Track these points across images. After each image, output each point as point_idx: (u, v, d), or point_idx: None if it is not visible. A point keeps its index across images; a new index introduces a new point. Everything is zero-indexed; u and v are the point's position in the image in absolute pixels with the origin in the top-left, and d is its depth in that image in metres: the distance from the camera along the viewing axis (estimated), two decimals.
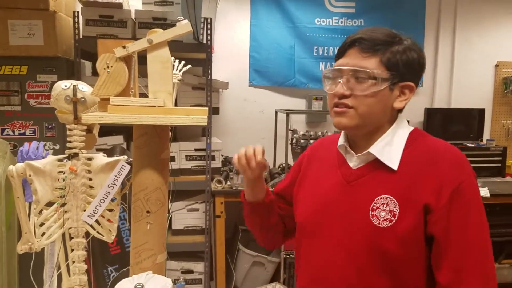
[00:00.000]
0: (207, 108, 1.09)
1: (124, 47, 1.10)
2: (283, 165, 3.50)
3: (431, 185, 0.98)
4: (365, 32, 1.04)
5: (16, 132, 2.90)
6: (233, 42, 3.80)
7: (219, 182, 3.24)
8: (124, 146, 3.01)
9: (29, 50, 2.83)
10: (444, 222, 0.96)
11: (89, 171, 1.34)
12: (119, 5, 3.02)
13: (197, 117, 1.05)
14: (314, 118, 3.91)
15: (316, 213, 1.12)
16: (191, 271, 3.26)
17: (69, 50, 3.03)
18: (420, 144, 1.05)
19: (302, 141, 3.38)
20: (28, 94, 2.88)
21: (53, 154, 1.38)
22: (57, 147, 2.89)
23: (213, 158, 3.29)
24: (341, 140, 1.14)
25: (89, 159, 1.35)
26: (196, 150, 3.23)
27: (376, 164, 1.05)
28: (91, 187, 1.35)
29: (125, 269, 2.50)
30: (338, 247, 1.05)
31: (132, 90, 1.11)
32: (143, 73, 1.18)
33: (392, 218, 0.99)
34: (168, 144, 1.13)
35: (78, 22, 2.98)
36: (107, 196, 1.33)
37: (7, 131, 2.89)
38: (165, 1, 3.17)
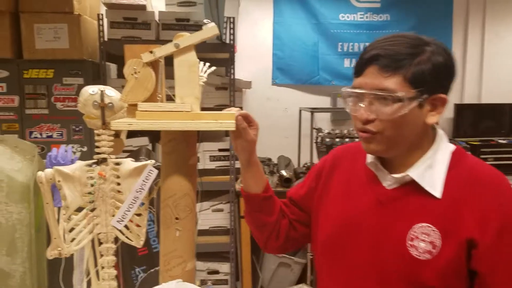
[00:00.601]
0: (234, 112, 1.06)
1: (151, 52, 1.08)
2: (308, 164, 3.46)
3: (475, 216, 0.89)
4: (383, 46, 0.93)
5: (44, 135, 2.94)
6: (255, 41, 3.77)
7: None
8: (150, 147, 3.02)
9: (55, 54, 2.86)
10: (491, 259, 0.89)
11: (118, 176, 1.34)
12: (143, 7, 3.02)
13: (226, 121, 1.03)
14: (339, 115, 3.85)
15: (342, 232, 1.02)
16: (217, 272, 3.25)
17: (94, 52, 3.06)
18: (462, 167, 0.96)
19: (327, 139, 3.33)
20: (54, 97, 2.91)
21: (81, 156, 1.37)
22: (85, 149, 2.92)
23: (237, 158, 3.26)
24: (370, 157, 1.03)
25: (117, 164, 1.34)
26: (220, 150, 3.22)
27: (415, 187, 0.95)
28: (119, 192, 1.34)
29: (152, 270, 2.51)
30: (368, 275, 0.97)
31: (160, 96, 1.09)
32: (169, 75, 1.16)
33: (433, 250, 0.90)
34: (196, 150, 1.11)
35: (102, 25, 2.99)
36: (136, 201, 1.32)
37: (35, 134, 2.93)
38: (188, 2, 3.16)
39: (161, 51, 1.09)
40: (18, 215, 2.12)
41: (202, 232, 3.26)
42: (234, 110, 1.10)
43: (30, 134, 2.94)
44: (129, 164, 1.33)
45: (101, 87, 1.35)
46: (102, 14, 3.00)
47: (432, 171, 0.95)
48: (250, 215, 1.22)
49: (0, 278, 2.04)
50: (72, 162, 1.54)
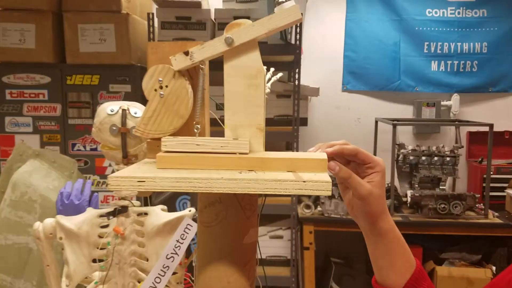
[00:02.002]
0: (325, 157, 0.60)
1: (186, 53, 0.65)
2: (386, 185, 2.91)
3: None
4: None
5: (88, 148, 2.66)
6: (324, 41, 3.29)
7: (308, 207, 2.76)
8: None
9: (101, 58, 2.57)
10: None
11: (142, 234, 0.92)
12: (198, 4, 2.67)
13: (312, 180, 0.56)
14: (424, 128, 3.27)
15: None
16: None
17: (143, 57, 2.74)
18: None
19: (411, 157, 2.77)
20: (99, 105, 2.61)
21: None
22: None
23: None
24: None
25: (142, 214, 0.93)
26: None
27: None
28: (143, 256, 0.92)
29: None
30: None
31: (198, 126, 0.65)
32: (218, 82, 0.72)
33: None
34: (257, 219, 0.66)
35: (153, 25, 2.67)
36: (166, 271, 0.90)
37: (78, 146, 2.66)
38: None
39: (204, 50, 0.65)
40: None
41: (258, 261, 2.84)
42: (321, 148, 0.67)
43: (72, 146, 2.67)
44: (158, 216, 0.92)
45: (125, 103, 0.95)
46: (152, 14, 2.67)
47: None
48: None
49: None
50: (91, 204, 1.15)
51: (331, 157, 0.68)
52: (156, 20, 2.68)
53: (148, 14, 2.68)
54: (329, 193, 0.55)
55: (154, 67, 0.66)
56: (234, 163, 0.62)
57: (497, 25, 3.18)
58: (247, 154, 0.63)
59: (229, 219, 0.63)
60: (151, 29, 2.67)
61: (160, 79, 0.65)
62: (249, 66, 0.65)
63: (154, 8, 2.82)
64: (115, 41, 2.56)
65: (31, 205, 2.11)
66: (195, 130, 0.65)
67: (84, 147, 2.67)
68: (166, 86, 0.66)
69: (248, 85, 0.66)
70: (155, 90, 0.66)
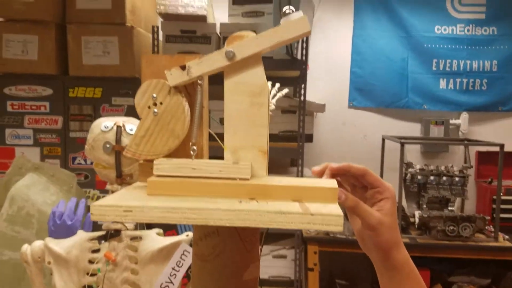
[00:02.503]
0: (336, 185, 0.54)
1: (183, 67, 0.59)
2: None
3: None
4: None
5: (88, 162, 2.60)
6: (331, 56, 3.26)
7: None
8: None
9: (104, 70, 2.53)
10: None
11: (135, 260, 0.85)
12: (203, 18, 2.64)
13: (322, 213, 0.50)
14: (432, 147, 3.21)
15: None
16: None
17: None
18: None
19: (419, 177, 2.70)
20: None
21: None
22: None
23: None
24: None
25: (136, 239, 0.86)
26: None
27: None
28: (136, 284, 0.86)
29: None
30: None
31: (194, 147, 0.59)
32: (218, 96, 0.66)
33: None
34: (258, 253, 0.60)
35: (157, 39, 2.64)
36: None
37: (78, 160, 2.61)
38: (254, 12, 2.74)
39: (202, 65, 0.60)
40: None
41: (260, 282, 2.76)
42: (329, 174, 0.61)
43: (73, 160, 2.62)
44: (153, 240, 0.86)
45: (121, 119, 0.89)
46: (157, 27, 2.64)
47: None
48: None
49: None
50: (85, 225, 1.09)
51: (336, 174, 0.62)
52: (160, 33, 2.65)
53: (153, 27, 2.65)
54: (340, 229, 0.49)
55: (148, 82, 0.61)
56: (234, 190, 0.56)
57: (507, 43, 3.13)
58: (248, 180, 0.57)
59: (228, 252, 0.57)
60: (156, 42, 2.64)
61: (154, 95, 0.60)
62: (252, 83, 0.59)
63: (159, 21, 2.79)
64: (119, 54, 2.53)
65: (28, 220, 2.06)
66: (191, 152, 0.59)
67: (85, 160, 2.62)
68: (161, 103, 0.60)
69: (250, 104, 0.60)
70: (149, 107, 0.60)
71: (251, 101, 0.60)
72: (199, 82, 0.60)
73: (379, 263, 0.65)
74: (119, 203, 0.49)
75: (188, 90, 0.63)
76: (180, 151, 0.61)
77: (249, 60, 0.59)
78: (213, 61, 0.60)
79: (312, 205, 0.53)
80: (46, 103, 2.55)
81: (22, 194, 2.07)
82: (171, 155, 0.60)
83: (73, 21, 2.50)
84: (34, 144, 2.60)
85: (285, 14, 0.57)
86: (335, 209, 0.52)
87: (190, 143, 0.60)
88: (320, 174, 0.63)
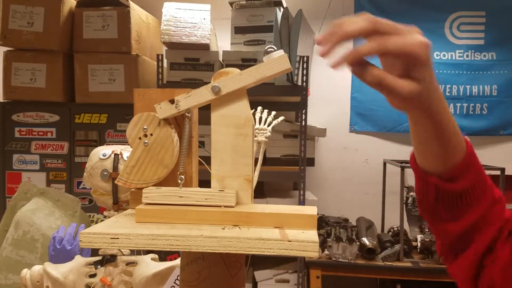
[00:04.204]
0: (315, 212, 0.57)
1: (172, 101, 0.63)
2: (395, 229, 2.83)
3: None
4: None
5: (88, 187, 2.64)
6: (331, 82, 3.30)
7: None
8: None
9: (109, 97, 2.60)
10: None
11: (130, 285, 0.88)
12: (206, 47, 2.71)
13: (298, 240, 0.52)
14: None
15: None
16: None
17: None
18: None
19: None
20: (107, 144, 2.62)
21: None
22: None
23: None
24: None
25: (131, 264, 0.89)
26: None
27: None
28: None
29: None
30: None
31: (182, 176, 0.63)
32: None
33: None
34: (243, 277, 0.62)
35: (162, 66, 2.71)
36: None
37: (83, 185, 2.65)
38: (256, 40, 2.81)
39: (190, 99, 0.64)
40: None
41: None
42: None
43: (78, 184, 2.66)
44: (147, 266, 0.88)
45: (119, 148, 0.93)
46: (162, 55, 2.72)
47: None
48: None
49: None
50: (83, 250, 1.12)
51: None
52: (165, 61, 2.72)
53: (158, 55, 2.73)
54: (316, 255, 0.52)
55: (139, 114, 0.65)
56: (218, 217, 0.59)
57: (506, 68, 3.16)
58: (233, 207, 0.60)
59: (212, 278, 0.60)
60: (160, 70, 2.71)
61: (145, 127, 0.64)
62: (237, 115, 0.63)
63: (163, 49, 2.87)
64: (124, 81, 2.60)
65: (33, 244, 2.08)
66: (179, 181, 0.63)
67: None
68: (151, 135, 0.64)
69: (236, 135, 0.63)
70: (140, 138, 0.64)
71: (237, 132, 0.63)
72: (187, 114, 0.64)
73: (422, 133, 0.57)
74: (106, 230, 0.53)
75: (177, 121, 0.67)
76: (169, 180, 0.64)
77: (234, 94, 0.63)
78: (201, 95, 0.64)
79: (291, 232, 0.56)
80: (52, 129, 2.61)
81: (27, 219, 2.11)
82: (160, 183, 0.64)
83: (80, 50, 2.59)
84: (40, 169, 2.65)
85: (267, 52, 0.61)
86: (312, 235, 0.54)
87: (178, 172, 0.63)
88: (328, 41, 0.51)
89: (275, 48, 0.62)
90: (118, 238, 0.51)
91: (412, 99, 0.51)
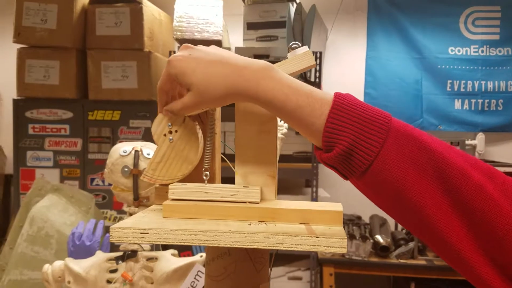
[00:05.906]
0: (341, 208, 0.56)
1: None
2: None
3: None
4: None
5: (106, 182, 2.65)
6: (344, 78, 3.28)
7: None
8: None
9: (122, 94, 2.61)
10: None
11: (151, 280, 0.88)
12: (218, 43, 2.70)
13: (326, 235, 0.52)
14: None
15: None
16: None
17: None
18: None
19: None
20: (120, 141, 2.63)
21: None
22: None
23: None
24: None
25: (152, 259, 0.89)
26: None
27: None
28: None
29: None
30: None
31: (207, 172, 0.63)
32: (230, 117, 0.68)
33: None
34: (268, 273, 0.62)
35: None
36: None
37: (96, 181, 2.67)
38: (268, 36, 2.80)
39: None
40: None
41: None
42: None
43: (91, 181, 2.68)
44: (168, 261, 0.88)
45: (139, 144, 0.93)
46: (174, 51, 2.72)
47: None
48: None
49: None
50: (103, 245, 1.13)
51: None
52: None
53: (170, 52, 2.73)
54: (344, 251, 0.51)
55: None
56: (244, 213, 0.58)
57: None
58: (258, 203, 0.60)
59: (238, 273, 0.59)
60: None
61: (170, 124, 0.64)
62: (261, 112, 0.63)
63: (176, 46, 2.88)
64: (137, 78, 2.61)
65: (47, 240, 2.10)
66: (204, 177, 0.62)
67: (103, 182, 2.67)
68: (176, 131, 0.64)
69: (259, 132, 0.63)
70: (164, 135, 0.64)
71: (260, 129, 0.63)
72: (211, 111, 0.64)
73: None
74: (137, 225, 0.53)
75: (201, 118, 0.66)
76: (194, 176, 0.64)
77: None
78: None
79: (318, 228, 0.55)
80: (66, 126, 2.63)
81: (42, 215, 2.13)
82: (185, 179, 0.63)
83: (93, 47, 2.60)
84: (54, 166, 2.67)
85: (292, 48, 0.61)
86: (339, 231, 0.54)
87: (203, 169, 0.63)
88: None
89: (300, 44, 0.61)
90: (148, 233, 0.51)
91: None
